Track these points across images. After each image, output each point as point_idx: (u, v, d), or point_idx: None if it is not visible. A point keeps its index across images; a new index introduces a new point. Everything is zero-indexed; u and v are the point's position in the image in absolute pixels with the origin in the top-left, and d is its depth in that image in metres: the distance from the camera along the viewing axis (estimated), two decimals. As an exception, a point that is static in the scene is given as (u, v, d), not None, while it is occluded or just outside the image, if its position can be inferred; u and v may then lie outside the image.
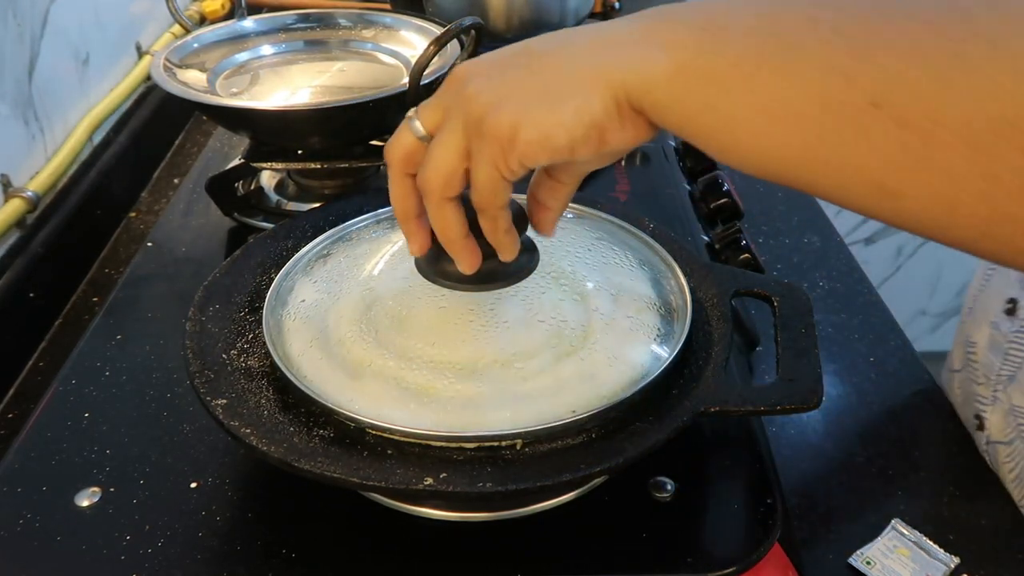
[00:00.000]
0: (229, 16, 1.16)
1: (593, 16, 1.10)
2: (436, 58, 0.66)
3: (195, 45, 0.77)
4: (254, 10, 0.87)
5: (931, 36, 0.29)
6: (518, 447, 0.42)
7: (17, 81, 0.77)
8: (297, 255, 0.54)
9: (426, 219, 0.41)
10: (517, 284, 0.46)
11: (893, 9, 0.30)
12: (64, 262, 0.76)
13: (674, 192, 0.77)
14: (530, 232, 0.45)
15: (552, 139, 0.35)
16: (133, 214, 0.85)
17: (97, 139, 0.90)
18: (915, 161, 0.29)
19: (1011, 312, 0.54)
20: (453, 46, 0.74)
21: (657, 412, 0.43)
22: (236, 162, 0.73)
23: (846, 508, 0.53)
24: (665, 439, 0.42)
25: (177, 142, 0.98)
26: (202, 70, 0.75)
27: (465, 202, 0.40)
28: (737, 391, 0.45)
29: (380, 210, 0.57)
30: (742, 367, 0.60)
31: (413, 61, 0.68)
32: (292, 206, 0.76)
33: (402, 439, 0.42)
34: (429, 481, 0.39)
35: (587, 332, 0.47)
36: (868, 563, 0.48)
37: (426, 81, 0.66)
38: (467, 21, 0.67)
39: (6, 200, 0.74)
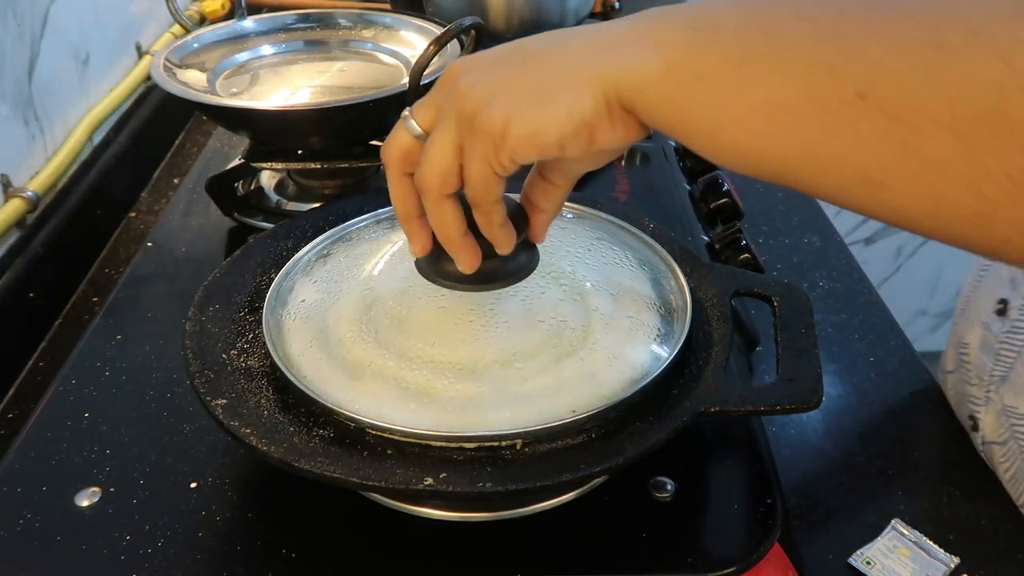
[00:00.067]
0: (229, 16, 1.16)
1: (593, 16, 1.10)
2: (436, 58, 0.66)
3: (195, 45, 0.77)
4: (254, 10, 0.87)
5: (914, 28, 0.29)
6: (518, 447, 0.42)
7: (17, 81, 0.77)
8: (297, 255, 0.54)
9: (427, 219, 0.41)
10: (517, 284, 0.46)
11: (878, 3, 0.31)
12: (64, 262, 0.76)
13: (674, 192, 0.77)
14: None
15: (542, 136, 0.35)
16: (133, 214, 0.85)
17: (97, 139, 0.90)
18: (902, 152, 0.29)
19: (1002, 312, 0.55)
20: (453, 46, 0.74)
21: (657, 412, 0.43)
22: (236, 162, 0.73)
23: (846, 508, 0.53)
24: (665, 439, 0.42)
25: (177, 142, 0.98)
26: (202, 70, 0.75)
27: (464, 201, 0.40)
28: (737, 391, 0.45)
29: (380, 210, 0.57)
30: (742, 367, 0.60)
31: (413, 61, 0.68)
32: (292, 206, 0.76)
33: (402, 439, 0.42)
34: (429, 481, 0.39)
35: (587, 332, 0.47)
36: (868, 563, 0.48)
37: (426, 81, 0.66)
38: (467, 21, 0.67)
39: (6, 200, 0.74)
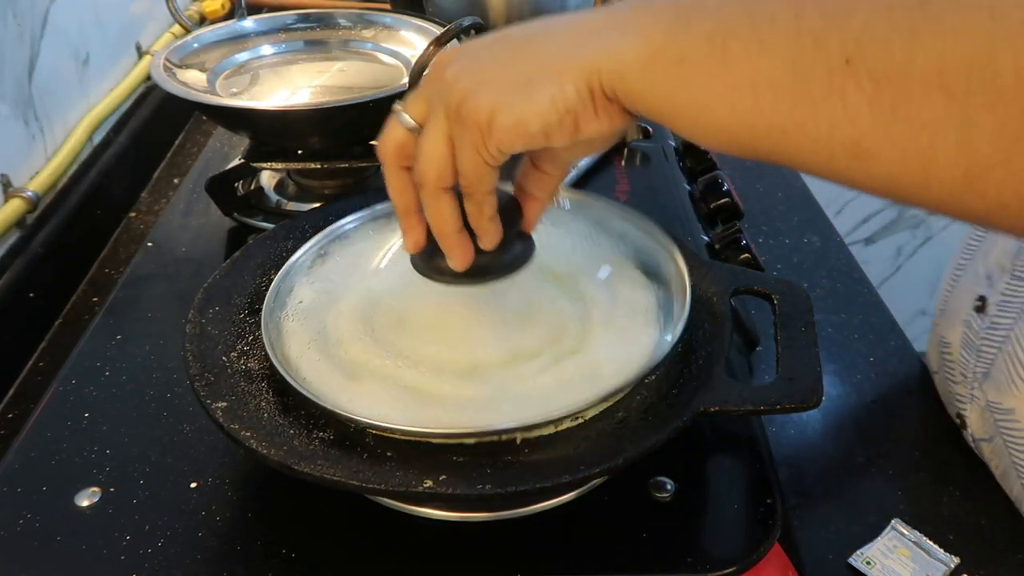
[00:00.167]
0: (229, 16, 1.16)
1: (593, 16, 1.10)
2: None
3: (195, 45, 0.77)
4: (254, 10, 0.87)
5: None
6: (518, 441, 0.42)
7: (17, 81, 0.77)
8: (295, 256, 0.54)
9: (424, 215, 0.41)
10: (517, 285, 0.45)
11: None
12: (64, 262, 0.76)
13: (674, 192, 0.77)
14: None
15: (527, 126, 0.36)
16: (133, 214, 0.85)
17: (97, 139, 0.90)
18: (890, 116, 0.29)
19: (981, 309, 0.54)
20: (453, 46, 0.74)
21: (657, 412, 0.43)
22: (236, 162, 0.73)
23: (846, 508, 0.53)
24: (665, 439, 0.42)
25: (177, 142, 0.98)
26: (202, 70, 0.75)
27: (461, 198, 0.40)
28: (737, 391, 0.45)
29: (377, 206, 0.57)
30: (742, 367, 0.59)
31: (413, 61, 0.68)
32: (292, 206, 0.76)
33: (402, 438, 0.42)
34: (429, 483, 0.39)
35: (587, 331, 0.47)
36: (868, 563, 0.48)
37: (426, 81, 0.66)
38: (467, 21, 0.67)
39: (6, 200, 0.74)
